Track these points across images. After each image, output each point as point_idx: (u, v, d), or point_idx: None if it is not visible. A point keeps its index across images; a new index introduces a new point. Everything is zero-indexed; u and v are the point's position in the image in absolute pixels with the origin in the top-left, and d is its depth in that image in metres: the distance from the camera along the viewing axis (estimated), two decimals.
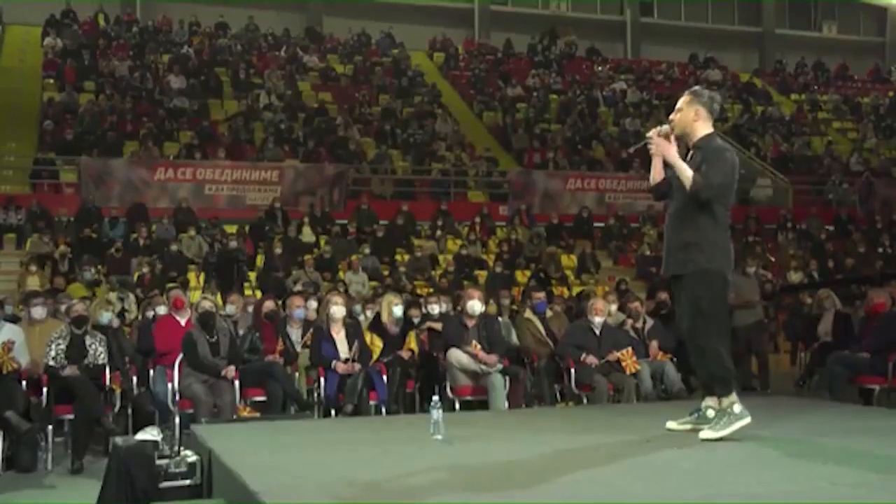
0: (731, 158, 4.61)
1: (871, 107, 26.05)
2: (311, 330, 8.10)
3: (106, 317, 8.03)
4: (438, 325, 8.52)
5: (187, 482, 4.58)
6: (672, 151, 4.67)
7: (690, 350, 4.73)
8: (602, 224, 17.67)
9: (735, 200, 4.84)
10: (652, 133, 4.81)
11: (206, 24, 24.22)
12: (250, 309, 9.36)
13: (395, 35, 25.41)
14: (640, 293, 12.04)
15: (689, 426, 4.74)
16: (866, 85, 28.78)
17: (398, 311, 8.60)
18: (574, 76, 25.39)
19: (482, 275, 14.50)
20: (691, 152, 4.70)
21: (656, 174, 4.89)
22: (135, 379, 8.17)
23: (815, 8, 31.96)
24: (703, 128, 4.70)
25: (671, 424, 4.83)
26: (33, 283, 12.24)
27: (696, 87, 4.87)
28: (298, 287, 12.07)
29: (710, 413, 4.66)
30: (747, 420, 4.45)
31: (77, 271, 13.03)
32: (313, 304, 9.34)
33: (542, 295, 9.05)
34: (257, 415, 7.25)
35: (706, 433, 4.47)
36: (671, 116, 4.78)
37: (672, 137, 4.74)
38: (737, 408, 4.47)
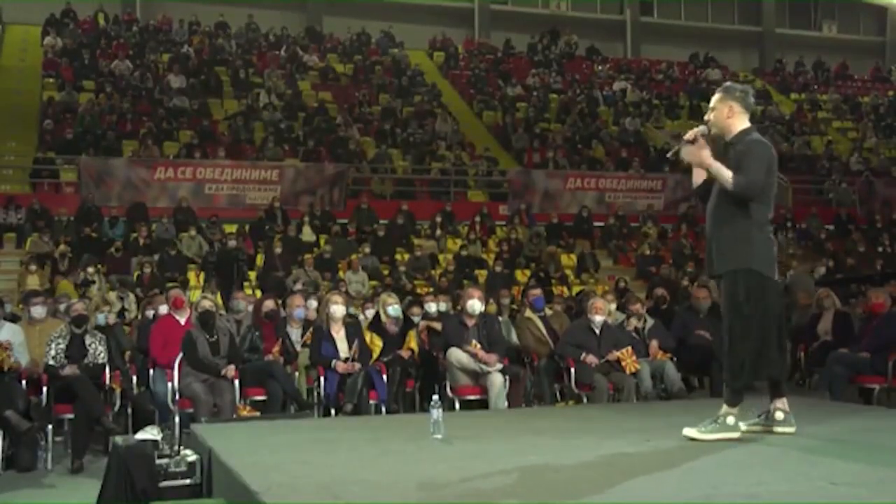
0: (767, 153, 4.50)
1: (870, 106, 26.05)
2: (311, 329, 8.09)
3: (101, 318, 8.01)
4: (438, 325, 8.51)
5: (187, 481, 4.58)
6: (705, 155, 4.51)
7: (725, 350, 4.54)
8: (602, 223, 17.67)
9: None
10: (689, 135, 4.62)
11: (205, 24, 24.22)
12: (250, 308, 9.36)
13: (394, 34, 25.42)
14: (640, 293, 12.04)
15: (759, 427, 4.65)
16: (866, 84, 28.79)
17: (393, 311, 8.58)
18: (574, 76, 25.39)
19: (482, 274, 14.50)
20: (730, 150, 4.58)
21: (698, 176, 4.72)
22: (135, 378, 8.17)
23: (815, 7, 31.97)
24: (738, 123, 4.59)
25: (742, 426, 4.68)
26: (33, 282, 12.24)
27: (728, 83, 4.78)
28: (298, 286, 12.06)
29: (780, 415, 4.60)
30: (736, 435, 4.44)
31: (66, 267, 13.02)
32: (313, 303, 9.34)
33: (538, 291, 9.03)
34: (257, 414, 7.25)
35: (690, 431, 4.47)
36: (706, 116, 4.67)
37: (705, 139, 4.59)
38: (731, 420, 4.45)
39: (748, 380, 4.51)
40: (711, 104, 4.66)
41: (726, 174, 4.43)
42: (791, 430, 4.57)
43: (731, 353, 4.47)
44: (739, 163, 4.45)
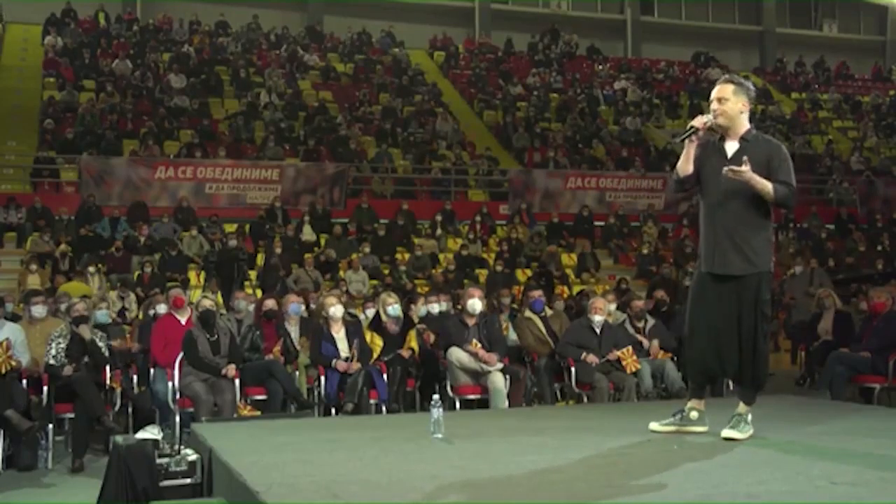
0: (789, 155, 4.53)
1: (871, 106, 26.05)
2: (311, 327, 8.09)
3: (101, 315, 7.97)
4: (433, 338, 8.45)
5: (188, 481, 4.59)
6: (755, 175, 4.33)
7: (735, 355, 4.49)
8: (602, 223, 17.66)
9: None
10: (697, 122, 4.50)
11: (206, 23, 24.24)
12: (251, 308, 9.36)
13: (395, 34, 25.42)
14: (640, 292, 12.04)
15: (673, 427, 4.72)
16: (867, 84, 28.80)
17: (393, 310, 8.58)
18: (574, 75, 25.38)
19: (483, 274, 14.50)
20: (737, 145, 4.50)
21: (688, 165, 4.55)
22: (135, 378, 8.17)
23: (816, 7, 31.98)
24: (745, 120, 4.55)
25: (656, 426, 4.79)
26: (34, 281, 12.23)
27: (735, 76, 4.66)
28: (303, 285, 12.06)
29: (695, 415, 4.70)
30: (752, 431, 4.53)
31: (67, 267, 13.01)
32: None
33: (538, 293, 9.03)
34: (258, 413, 7.25)
35: (730, 432, 4.47)
36: (713, 106, 4.50)
37: (705, 130, 4.50)
38: (750, 417, 4.53)
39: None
40: (722, 95, 4.50)
41: (768, 187, 4.36)
42: (704, 429, 4.64)
43: (759, 354, 4.49)
44: (773, 168, 4.41)
